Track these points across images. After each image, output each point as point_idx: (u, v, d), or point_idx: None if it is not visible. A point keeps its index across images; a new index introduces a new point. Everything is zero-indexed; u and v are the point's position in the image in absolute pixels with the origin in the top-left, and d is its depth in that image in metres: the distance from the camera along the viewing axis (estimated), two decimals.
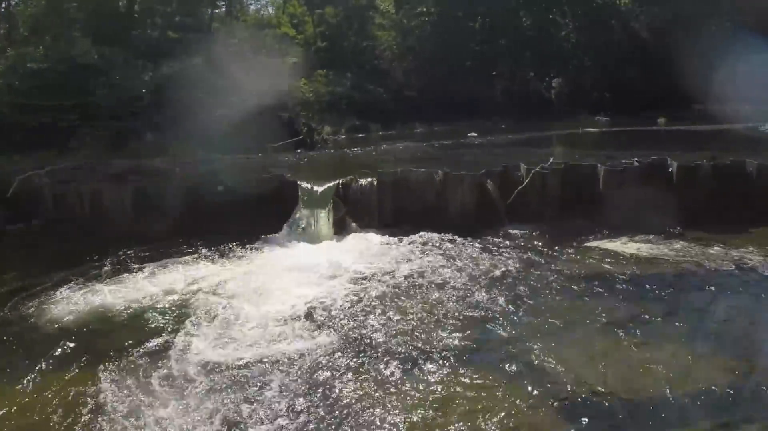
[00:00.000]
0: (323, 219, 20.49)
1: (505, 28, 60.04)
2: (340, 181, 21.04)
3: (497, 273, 16.31)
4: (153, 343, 12.72)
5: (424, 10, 58.44)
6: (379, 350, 12.28)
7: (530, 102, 56.93)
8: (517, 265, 16.85)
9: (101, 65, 29.13)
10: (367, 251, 18.49)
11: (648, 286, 15.31)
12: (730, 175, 20.63)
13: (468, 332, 13.05)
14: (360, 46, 57.73)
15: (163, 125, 30.24)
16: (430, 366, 11.63)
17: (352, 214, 20.65)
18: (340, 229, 20.30)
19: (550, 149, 31.67)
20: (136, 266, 17.65)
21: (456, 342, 12.61)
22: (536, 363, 11.76)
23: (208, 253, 18.71)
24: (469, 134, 38.82)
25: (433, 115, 48.46)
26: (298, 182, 21.42)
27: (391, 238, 19.46)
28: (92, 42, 32.85)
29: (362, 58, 57.29)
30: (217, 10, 57.19)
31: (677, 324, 13.40)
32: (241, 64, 48.03)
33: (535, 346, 12.35)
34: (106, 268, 17.50)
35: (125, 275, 17.00)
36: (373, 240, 19.50)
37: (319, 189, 21.06)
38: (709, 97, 58.67)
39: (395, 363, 11.75)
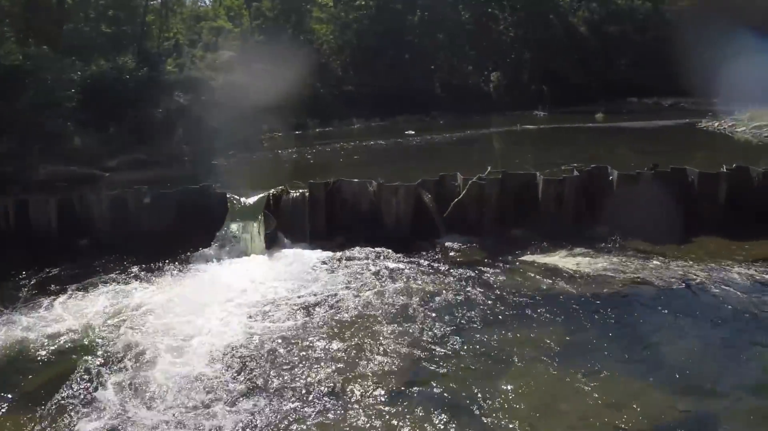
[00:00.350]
0: (254, 234, 19.47)
1: (444, 21, 59.41)
2: (271, 192, 20.00)
3: (436, 297, 15.29)
4: (52, 406, 11.09)
5: (363, 3, 57.47)
6: (318, 411, 10.86)
7: (469, 95, 56.35)
8: (456, 286, 15.85)
9: (28, 66, 27.54)
10: (299, 271, 17.27)
11: (591, 308, 14.49)
12: (671, 183, 19.99)
13: (408, 372, 11.97)
14: (298, 39, 56.58)
15: (91, 127, 28.92)
16: (366, 418, 10.58)
17: (284, 227, 19.53)
18: (272, 244, 19.17)
19: (489, 150, 31.18)
20: (57, 287, 16.43)
21: (395, 383, 11.57)
22: (477, 401, 10.90)
23: (135, 271, 17.53)
24: (406, 132, 37.92)
25: (371, 110, 47.54)
26: (228, 194, 20.34)
27: (325, 254, 18.40)
28: (24, 38, 31.53)
29: (300, 52, 56.15)
30: (152, 2, 55.52)
31: (626, 352, 12.58)
32: (176, 59, 46.98)
33: (477, 382, 11.47)
34: (25, 291, 16.38)
35: (46, 300, 15.66)
36: (306, 257, 18.38)
37: (249, 201, 20.05)
38: (644, 90, 58.96)
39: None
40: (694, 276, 16.23)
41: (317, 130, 44.08)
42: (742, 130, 35.08)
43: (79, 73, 30.54)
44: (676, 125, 39.47)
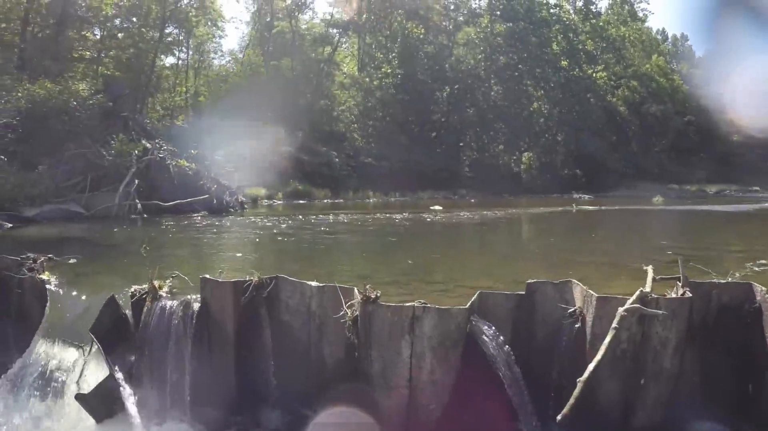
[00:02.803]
0: (71, 382, 6.83)
1: (474, 96, 47.45)
2: (133, 289, 7.27)
3: None
4: None
5: (389, 70, 45.52)
6: None
7: (497, 175, 44.63)
8: None
9: None
10: None
11: None
12: None
13: None
14: (317, 104, 44.89)
15: (18, 161, 20.25)
16: None
17: (139, 376, 6.67)
18: (106, 413, 6.46)
19: (555, 234, 18.49)
20: None
21: None
22: None
23: None
24: (431, 208, 25.28)
25: (391, 185, 36.43)
26: (53, 285, 7.87)
27: None
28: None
29: (318, 117, 44.46)
30: (171, 60, 45.18)
31: None
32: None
33: None
34: None
35: None
36: None
37: (87, 301, 7.63)
38: (680, 177, 46.88)
39: None
40: None
41: (326, 200, 32.24)
42: None
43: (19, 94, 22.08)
44: (764, 210, 26.80)
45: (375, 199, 34.09)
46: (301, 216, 20.55)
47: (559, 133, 48.72)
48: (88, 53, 34.88)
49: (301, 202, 31.27)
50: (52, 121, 21.31)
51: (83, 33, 34.44)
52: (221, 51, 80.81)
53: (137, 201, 20.54)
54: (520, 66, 47.91)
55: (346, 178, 36.88)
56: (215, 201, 22.06)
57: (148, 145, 22.57)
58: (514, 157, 48.34)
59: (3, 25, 31.80)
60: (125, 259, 11.50)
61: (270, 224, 18.30)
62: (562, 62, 48.63)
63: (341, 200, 33.09)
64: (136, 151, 22.03)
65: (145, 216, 20.19)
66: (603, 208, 26.87)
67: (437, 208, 24.91)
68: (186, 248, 13.32)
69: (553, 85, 48.52)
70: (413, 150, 41.69)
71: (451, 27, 48.74)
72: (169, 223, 18.24)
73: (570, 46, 48.73)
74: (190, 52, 48.99)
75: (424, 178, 38.21)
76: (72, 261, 10.20)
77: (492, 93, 48.30)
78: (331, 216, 20.56)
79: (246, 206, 24.03)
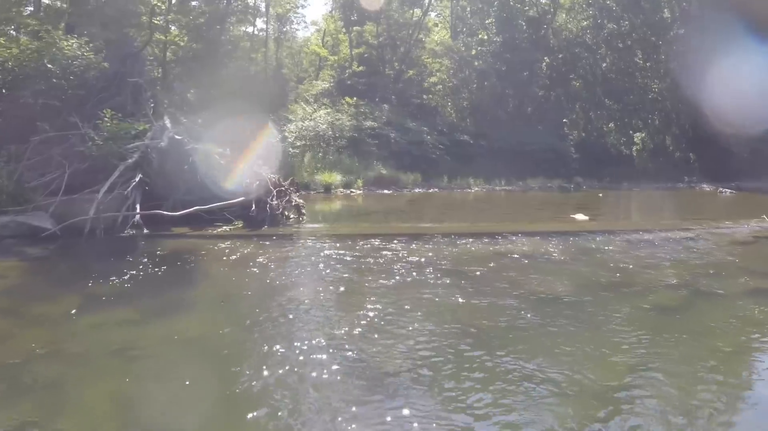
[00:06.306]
0: None
1: (581, 68, 36.76)
2: None
3: None
4: None
5: (486, 37, 35.33)
6: None
7: (607, 157, 34.17)
8: None
9: None
10: None
11: None
12: None
13: None
14: (405, 74, 35.00)
15: None
16: None
17: None
18: None
19: None
20: None
21: None
22: None
23: None
24: (573, 216, 15.19)
25: (492, 168, 26.62)
26: None
27: None
28: None
29: (406, 89, 34.58)
30: (248, 29, 36.10)
31: None
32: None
33: None
34: None
35: None
36: None
37: None
38: None
39: None
40: None
41: (416, 189, 22.90)
42: None
43: None
44: None
45: (477, 188, 24.42)
46: (379, 246, 10.98)
47: (673, 111, 37.59)
48: (156, 20, 25.64)
49: (386, 191, 21.85)
50: (23, 92, 12.57)
51: None
52: (305, 22, 71.71)
53: (138, 207, 11.57)
54: (633, 35, 36.94)
55: (438, 159, 27.17)
56: (254, 207, 12.69)
57: (157, 123, 13.37)
58: (624, 138, 37.56)
59: None
60: None
61: (332, 271, 8.83)
62: (678, 31, 37.35)
63: (435, 189, 23.49)
64: (144, 128, 13.09)
65: (146, 231, 11.24)
66: None
67: (581, 217, 15.02)
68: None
69: (665, 57, 37.34)
70: (512, 127, 31.72)
71: None
72: (174, 261, 9.12)
73: (683, 12, 37.32)
74: (271, 22, 39.88)
75: (527, 159, 28.45)
76: None
77: (601, 64, 37.35)
78: (430, 252, 10.61)
79: (304, 211, 14.19)
